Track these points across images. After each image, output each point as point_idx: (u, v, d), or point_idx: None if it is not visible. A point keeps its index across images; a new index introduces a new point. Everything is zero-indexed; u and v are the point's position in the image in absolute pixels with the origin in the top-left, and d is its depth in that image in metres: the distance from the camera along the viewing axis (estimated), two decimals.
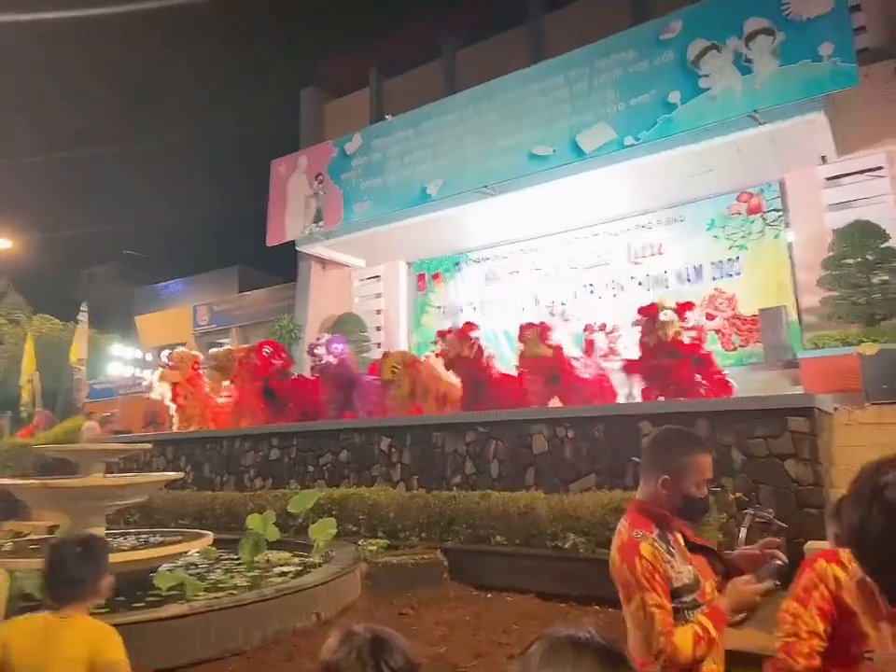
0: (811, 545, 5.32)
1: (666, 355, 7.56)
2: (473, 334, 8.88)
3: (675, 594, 1.93)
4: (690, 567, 1.98)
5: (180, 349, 12.63)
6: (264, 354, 10.77)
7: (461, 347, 8.77)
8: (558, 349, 8.53)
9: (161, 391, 11.98)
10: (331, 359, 10.08)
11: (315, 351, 10.22)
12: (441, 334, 9.22)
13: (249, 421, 10.77)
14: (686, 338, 7.58)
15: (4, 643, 1.88)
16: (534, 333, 8.57)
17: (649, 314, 7.83)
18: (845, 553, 1.91)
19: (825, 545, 3.23)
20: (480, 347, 8.84)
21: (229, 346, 14.49)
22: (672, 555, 1.96)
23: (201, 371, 12.27)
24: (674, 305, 7.75)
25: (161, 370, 11.95)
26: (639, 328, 7.98)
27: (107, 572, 2.10)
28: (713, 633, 1.85)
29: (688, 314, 7.69)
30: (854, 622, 1.68)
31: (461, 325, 9.23)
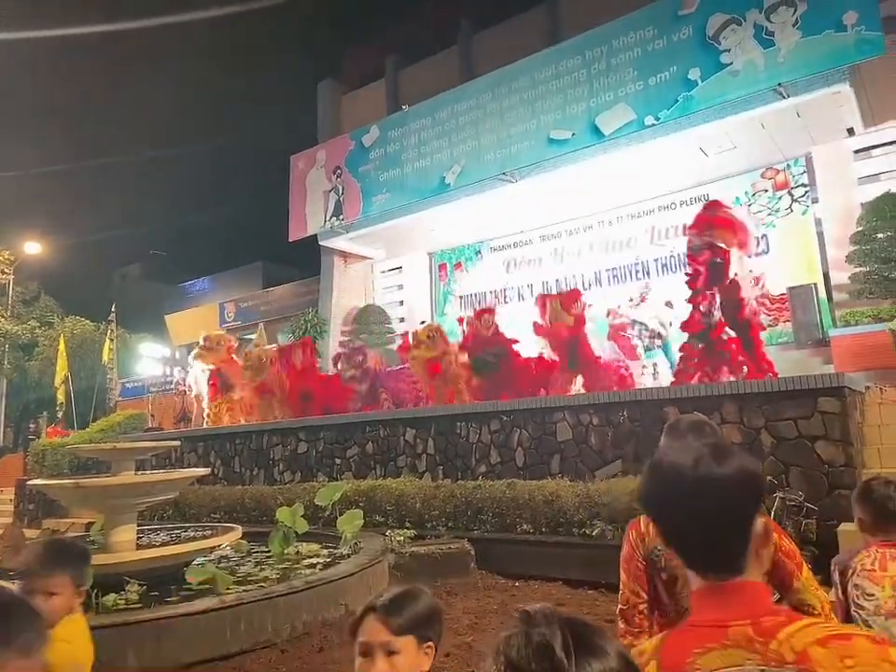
0: (844, 528, 5.20)
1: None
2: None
3: None
4: None
5: (217, 332, 12.98)
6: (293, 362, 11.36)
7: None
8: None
9: (195, 377, 12.37)
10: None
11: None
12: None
13: (279, 413, 11.04)
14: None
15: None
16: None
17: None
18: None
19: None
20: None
21: (259, 344, 14.69)
22: None
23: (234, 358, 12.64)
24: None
25: (197, 350, 12.38)
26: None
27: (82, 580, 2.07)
28: None
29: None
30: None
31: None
